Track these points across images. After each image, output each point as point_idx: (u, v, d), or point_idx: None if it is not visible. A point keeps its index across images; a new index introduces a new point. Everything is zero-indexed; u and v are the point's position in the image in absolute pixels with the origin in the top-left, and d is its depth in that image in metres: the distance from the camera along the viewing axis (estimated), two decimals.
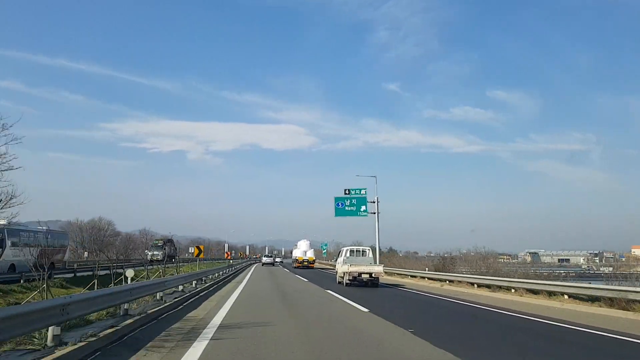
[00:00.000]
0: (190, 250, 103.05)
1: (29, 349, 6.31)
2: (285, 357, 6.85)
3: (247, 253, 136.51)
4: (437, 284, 26.23)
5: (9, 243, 20.43)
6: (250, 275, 36.43)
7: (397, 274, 34.82)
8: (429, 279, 28.60)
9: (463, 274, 26.59)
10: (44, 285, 10.54)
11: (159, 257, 46.49)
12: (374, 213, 49.34)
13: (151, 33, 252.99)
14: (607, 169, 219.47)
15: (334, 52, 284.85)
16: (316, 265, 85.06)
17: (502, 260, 59.63)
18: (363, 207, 48.99)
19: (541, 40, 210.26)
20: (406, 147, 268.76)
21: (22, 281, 18.09)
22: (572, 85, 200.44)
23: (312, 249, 66.23)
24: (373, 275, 22.64)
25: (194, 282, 19.53)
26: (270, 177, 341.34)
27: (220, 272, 32.64)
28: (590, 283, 17.63)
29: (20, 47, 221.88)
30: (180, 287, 16.53)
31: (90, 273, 26.00)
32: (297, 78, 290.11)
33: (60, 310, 6.53)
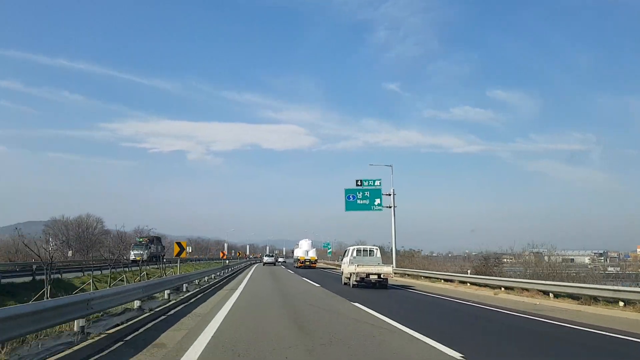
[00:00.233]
0: (188, 250, 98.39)
1: None
2: None
3: (248, 253, 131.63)
4: (486, 291, 20.59)
5: None
6: (249, 277, 30.87)
7: (425, 277, 29.12)
8: (473, 284, 22.91)
9: (519, 278, 20.78)
10: None
11: (144, 257, 40.88)
12: (390, 207, 43.78)
13: (151, 33, 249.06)
14: (607, 169, 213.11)
15: (334, 52, 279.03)
16: (320, 265, 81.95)
17: (506, 260, 54.49)
18: (377, 201, 43.34)
19: (541, 40, 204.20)
20: (406, 147, 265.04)
21: None
22: (572, 85, 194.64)
23: (314, 249, 64.11)
24: (382, 276, 21.45)
25: (167, 292, 13.83)
26: (271, 177, 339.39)
27: (213, 275, 27.02)
28: None
29: (20, 47, 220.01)
30: (137, 304, 10.80)
31: (57, 276, 21.10)
32: (297, 78, 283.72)
33: None
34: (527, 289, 18.11)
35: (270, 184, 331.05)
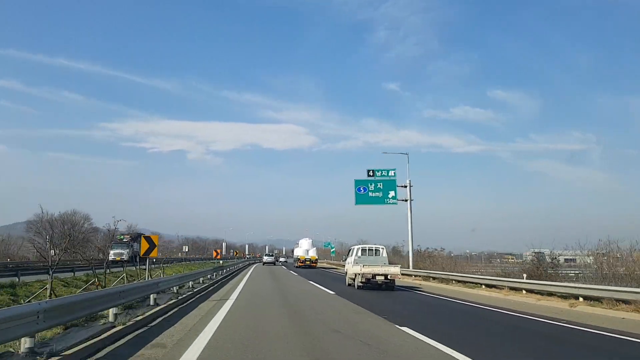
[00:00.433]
0: (184, 249, 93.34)
1: None
2: None
3: (247, 252, 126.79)
4: (555, 302, 15.67)
5: None
6: (247, 280, 25.94)
7: (458, 281, 24.14)
8: (531, 291, 17.95)
9: (605, 284, 15.72)
10: None
11: (124, 257, 35.88)
12: (405, 200, 38.82)
13: (151, 33, 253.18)
14: (607, 169, 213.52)
15: (334, 52, 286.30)
16: (323, 264, 77.90)
17: (508, 259, 50.33)
18: (391, 193, 38.22)
19: (541, 40, 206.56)
20: (406, 147, 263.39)
21: None
22: (572, 85, 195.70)
23: (315, 248, 62.85)
24: (389, 277, 20.49)
25: (113, 312, 8.84)
26: (271, 176, 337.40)
27: (201, 279, 22.07)
28: None
29: (20, 47, 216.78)
30: (27, 344, 5.77)
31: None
32: (297, 78, 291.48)
33: None
34: (628, 301, 13.10)
35: (270, 183, 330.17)
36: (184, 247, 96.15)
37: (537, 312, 14.05)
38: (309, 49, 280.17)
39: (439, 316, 13.25)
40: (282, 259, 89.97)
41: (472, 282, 22.56)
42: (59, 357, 5.76)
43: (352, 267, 21.86)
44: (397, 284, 22.86)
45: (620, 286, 14.87)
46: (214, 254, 33.75)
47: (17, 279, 19.96)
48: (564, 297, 15.79)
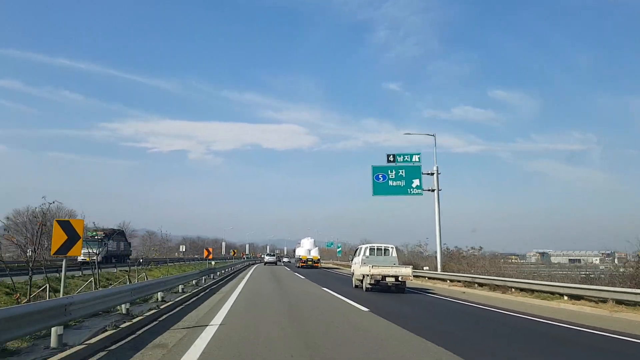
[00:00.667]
0: (181, 249, 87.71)
1: None
2: None
3: (247, 252, 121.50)
4: None
5: None
6: (244, 284, 20.21)
7: (521, 289, 18.37)
8: None
9: None
10: None
11: (95, 258, 30.09)
12: (432, 190, 33.11)
13: (151, 33, 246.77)
14: (607, 169, 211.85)
15: (334, 52, 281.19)
16: (329, 265, 73.34)
17: (512, 260, 45.89)
18: (416, 182, 32.35)
19: (541, 40, 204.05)
20: (407, 147, 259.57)
21: None
22: (572, 85, 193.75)
23: (317, 247, 61.39)
24: (400, 278, 19.00)
25: None
26: (271, 176, 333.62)
27: (180, 287, 16.38)
28: None
29: (20, 47, 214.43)
30: None
31: None
32: (297, 78, 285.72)
33: None
34: None
35: (270, 183, 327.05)
36: (180, 246, 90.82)
37: None
38: (309, 49, 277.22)
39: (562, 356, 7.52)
40: (285, 259, 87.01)
41: (547, 292, 16.75)
42: None
43: (360, 268, 20.45)
44: (428, 289, 19.73)
45: None
46: (205, 253, 27.93)
47: None
48: None
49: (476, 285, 22.05)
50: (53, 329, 6.33)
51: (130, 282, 16.96)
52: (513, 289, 18.92)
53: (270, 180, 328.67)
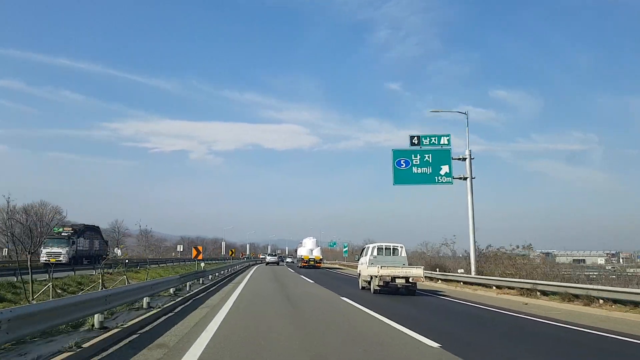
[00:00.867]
0: (179, 249, 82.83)
1: None
2: None
3: (248, 252, 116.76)
4: None
5: None
6: (237, 298, 15.28)
7: (614, 300, 13.46)
8: None
9: None
10: None
11: (61, 259, 25.14)
12: (464, 178, 28.21)
13: (151, 33, 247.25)
14: (607, 169, 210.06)
15: (334, 52, 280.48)
16: (335, 265, 69.81)
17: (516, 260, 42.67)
18: (445, 168, 27.36)
19: (541, 40, 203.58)
20: (407, 146, 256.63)
21: None
22: (572, 85, 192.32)
23: (319, 247, 59.86)
24: (410, 280, 18.01)
25: None
26: (271, 176, 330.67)
27: (145, 300, 11.45)
28: None
29: (20, 47, 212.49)
30: None
31: None
32: (297, 78, 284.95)
33: None
34: None
35: (270, 183, 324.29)
36: (178, 246, 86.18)
37: None
38: (309, 49, 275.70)
39: None
40: (288, 259, 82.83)
41: None
42: None
43: (368, 269, 19.64)
44: (469, 299, 17.51)
45: None
46: (194, 252, 22.98)
47: None
48: None
49: (538, 293, 17.13)
50: None
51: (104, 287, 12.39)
52: (601, 300, 14.02)
53: (271, 180, 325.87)
